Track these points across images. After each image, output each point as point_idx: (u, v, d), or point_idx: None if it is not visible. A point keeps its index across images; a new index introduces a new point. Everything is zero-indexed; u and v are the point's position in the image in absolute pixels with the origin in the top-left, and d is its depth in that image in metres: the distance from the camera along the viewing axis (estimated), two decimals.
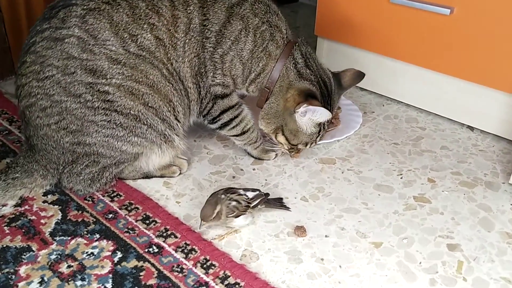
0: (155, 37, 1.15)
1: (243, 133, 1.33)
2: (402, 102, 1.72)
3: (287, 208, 1.20)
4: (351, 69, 1.36)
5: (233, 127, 1.32)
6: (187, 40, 1.18)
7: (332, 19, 1.74)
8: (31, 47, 1.12)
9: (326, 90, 1.28)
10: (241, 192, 1.15)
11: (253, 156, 1.39)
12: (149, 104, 1.16)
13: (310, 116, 1.23)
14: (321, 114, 1.22)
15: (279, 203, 1.21)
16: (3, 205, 1.19)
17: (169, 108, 1.19)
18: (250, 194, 1.15)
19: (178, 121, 1.24)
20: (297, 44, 1.27)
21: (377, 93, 1.78)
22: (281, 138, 1.30)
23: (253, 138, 1.35)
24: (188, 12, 1.17)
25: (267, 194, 1.19)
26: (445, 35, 1.48)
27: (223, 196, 1.11)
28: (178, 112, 1.22)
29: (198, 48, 1.19)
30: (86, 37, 1.11)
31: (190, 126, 1.33)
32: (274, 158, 1.39)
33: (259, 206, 1.15)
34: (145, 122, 1.18)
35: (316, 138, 1.31)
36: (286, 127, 1.27)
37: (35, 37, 1.12)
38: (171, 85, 1.18)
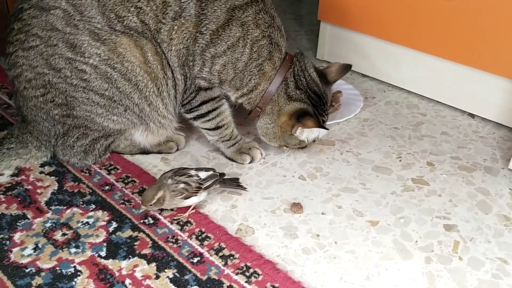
0: (141, 21, 1.11)
1: (216, 128, 1.27)
2: (403, 88, 1.71)
3: (243, 188, 1.17)
4: (336, 63, 1.33)
5: (208, 120, 1.26)
6: (175, 27, 1.12)
7: (335, 3, 1.73)
8: (19, 14, 1.12)
9: (317, 98, 1.24)
10: (192, 173, 1.10)
11: (226, 156, 1.32)
12: (120, 90, 1.14)
13: (307, 133, 1.23)
14: (317, 132, 1.23)
15: (235, 183, 1.18)
16: (0, 174, 1.19)
17: (141, 96, 1.16)
18: (203, 175, 1.10)
19: (156, 112, 1.20)
20: (292, 66, 1.22)
21: (378, 79, 1.77)
22: (286, 149, 1.32)
23: (226, 135, 1.29)
24: (182, 1, 1.11)
25: (223, 174, 1.15)
26: (447, 20, 1.47)
27: (169, 180, 1.06)
28: (155, 101, 1.18)
29: (189, 40, 1.14)
30: (72, 12, 1.09)
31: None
32: (249, 162, 1.30)
33: (213, 186, 1.12)
34: (121, 104, 1.16)
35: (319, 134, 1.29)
36: (289, 144, 1.28)
37: (23, 3, 1.11)
38: (149, 75, 1.14)
